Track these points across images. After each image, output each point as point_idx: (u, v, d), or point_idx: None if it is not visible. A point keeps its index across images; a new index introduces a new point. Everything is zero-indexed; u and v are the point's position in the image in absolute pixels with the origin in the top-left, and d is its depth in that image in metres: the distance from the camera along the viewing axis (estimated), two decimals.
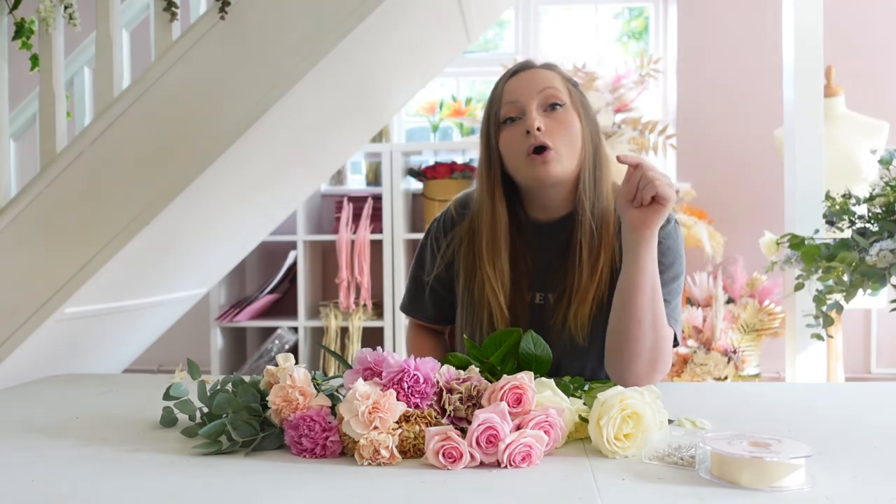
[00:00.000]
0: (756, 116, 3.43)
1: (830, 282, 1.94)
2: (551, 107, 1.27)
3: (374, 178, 3.54)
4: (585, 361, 1.32)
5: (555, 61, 1.37)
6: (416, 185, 3.46)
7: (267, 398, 0.98)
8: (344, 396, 0.95)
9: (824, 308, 1.96)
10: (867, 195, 1.95)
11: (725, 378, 2.86)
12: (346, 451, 0.94)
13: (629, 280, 1.18)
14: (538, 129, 1.25)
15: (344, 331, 3.25)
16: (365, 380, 0.96)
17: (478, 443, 0.89)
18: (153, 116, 1.74)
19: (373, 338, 3.29)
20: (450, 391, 0.97)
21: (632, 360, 1.20)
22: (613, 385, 1.06)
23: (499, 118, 1.30)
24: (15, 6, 1.84)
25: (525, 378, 0.96)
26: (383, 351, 0.99)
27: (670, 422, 1.01)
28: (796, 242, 2.01)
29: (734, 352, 2.91)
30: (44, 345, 1.83)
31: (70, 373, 1.88)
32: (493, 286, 1.30)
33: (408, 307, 1.50)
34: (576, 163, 1.29)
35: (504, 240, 1.32)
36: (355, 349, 3.17)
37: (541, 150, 1.25)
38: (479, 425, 0.89)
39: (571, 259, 1.30)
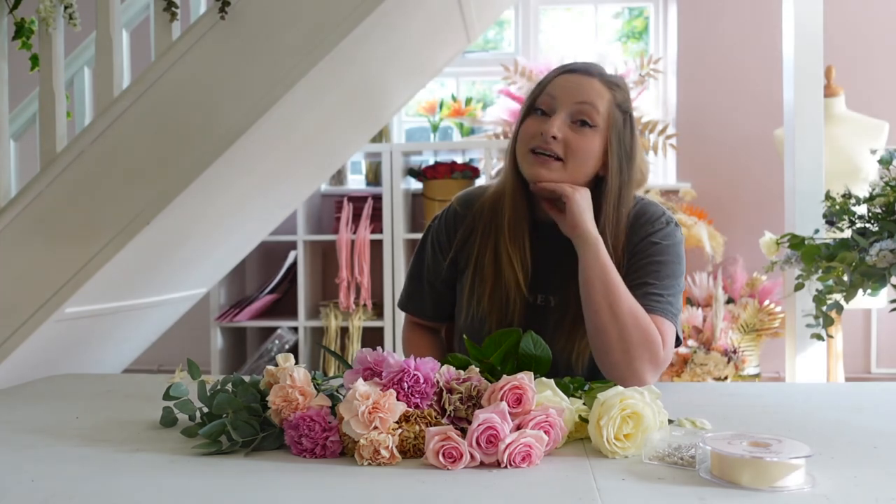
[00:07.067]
0: (756, 116, 3.42)
1: (830, 282, 1.94)
2: (581, 122, 1.26)
3: (374, 177, 3.53)
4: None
5: (618, 79, 1.31)
6: (416, 185, 3.46)
7: (267, 398, 0.98)
8: (344, 396, 0.95)
9: (824, 308, 1.96)
10: (867, 195, 1.95)
11: (725, 378, 2.86)
12: (346, 451, 0.94)
13: (581, 276, 1.24)
14: (553, 136, 1.24)
15: (344, 331, 3.25)
16: (365, 380, 0.96)
17: (478, 443, 0.89)
18: (153, 116, 1.74)
19: (373, 338, 3.28)
20: (450, 391, 0.97)
21: (606, 351, 1.21)
22: (613, 385, 1.06)
23: (534, 104, 1.30)
24: (15, 6, 1.84)
25: (525, 378, 0.96)
26: (383, 351, 0.99)
27: (670, 422, 1.01)
28: (796, 242, 2.01)
29: (734, 352, 2.91)
30: (44, 345, 1.82)
31: (70, 373, 1.88)
32: (513, 267, 1.30)
33: (405, 304, 1.49)
34: (577, 182, 1.28)
35: (526, 220, 1.32)
36: (355, 349, 3.16)
37: (546, 155, 1.25)
38: (479, 425, 0.89)
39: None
